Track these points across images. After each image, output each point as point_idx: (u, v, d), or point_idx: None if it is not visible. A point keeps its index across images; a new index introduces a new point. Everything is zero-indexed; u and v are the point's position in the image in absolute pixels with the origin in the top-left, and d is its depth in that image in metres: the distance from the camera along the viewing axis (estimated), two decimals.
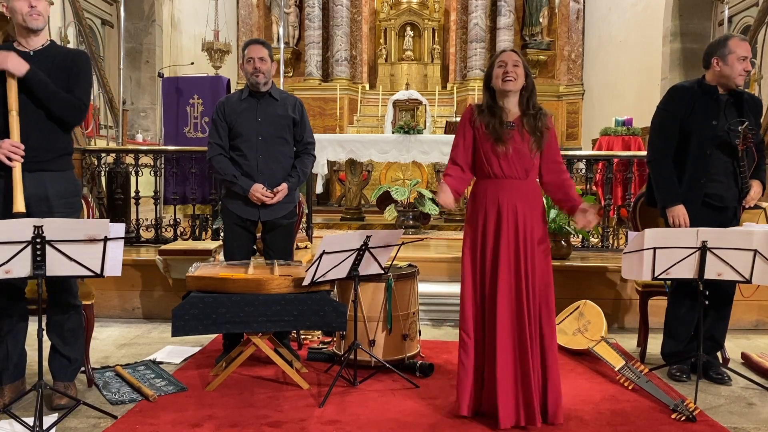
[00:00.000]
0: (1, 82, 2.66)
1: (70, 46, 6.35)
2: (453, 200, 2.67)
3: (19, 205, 2.58)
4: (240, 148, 3.35)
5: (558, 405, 2.66)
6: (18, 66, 2.63)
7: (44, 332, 2.59)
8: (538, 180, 2.83)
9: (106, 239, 2.44)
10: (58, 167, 2.79)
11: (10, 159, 2.61)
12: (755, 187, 3.21)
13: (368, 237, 3.00)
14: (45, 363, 2.69)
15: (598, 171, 5.34)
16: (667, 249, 2.90)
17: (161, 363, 3.46)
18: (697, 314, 3.28)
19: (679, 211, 3.19)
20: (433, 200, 6.40)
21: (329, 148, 6.89)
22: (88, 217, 3.24)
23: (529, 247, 2.69)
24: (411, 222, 6.47)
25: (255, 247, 3.72)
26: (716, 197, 3.20)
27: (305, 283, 2.96)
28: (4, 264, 2.36)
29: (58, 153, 2.79)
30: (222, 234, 3.80)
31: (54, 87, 2.73)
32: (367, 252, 3.05)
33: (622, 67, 10.19)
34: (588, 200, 4.57)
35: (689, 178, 3.21)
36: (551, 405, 2.65)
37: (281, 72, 7.50)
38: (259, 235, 3.55)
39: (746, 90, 3.61)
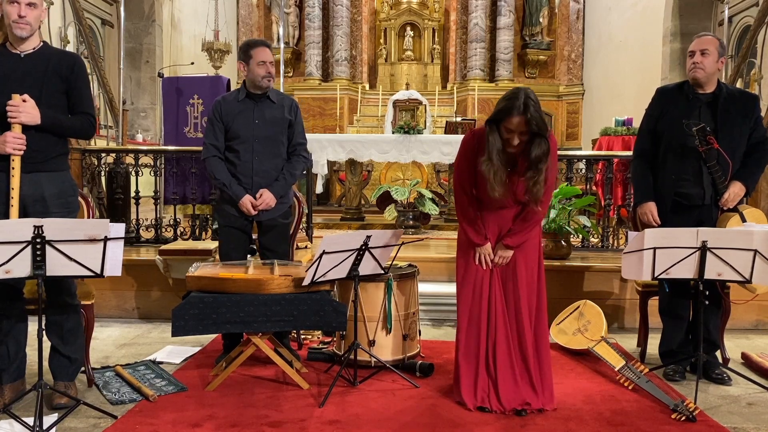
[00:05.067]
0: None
1: (70, 46, 6.35)
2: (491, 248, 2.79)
3: (14, 215, 2.61)
4: (236, 149, 3.34)
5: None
6: (32, 120, 2.65)
7: (44, 332, 2.59)
8: None
9: (106, 239, 2.44)
10: (54, 168, 2.79)
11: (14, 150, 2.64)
12: (733, 188, 3.16)
13: (368, 237, 3.00)
14: (45, 363, 2.70)
15: (598, 171, 5.34)
16: (667, 249, 2.90)
17: (161, 363, 3.46)
18: (689, 314, 3.35)
19: (647, 208, 3.29)
20: (433, 200, 6.40)
21: (329, 148, 6.89)
22: (88, 217, 3.24)
23: (524, 271, 2.82)
24: (411, 222, 6.47)
25: (254, 247, 3.72)
26: (685, 196, 3.23)
27: (305, 283, 2.96)
28: (4, 264, 2.36)
29: (53, 154, 2.79)
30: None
31: (66, 121, 2.78)
32: (367, 252, 3.05)
33: (622, 67, 10.19)
34: (587, 200, 4.59)
35: (661, 177, 3.29)
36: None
37: (281, 72, 7.50)
38: (255, 236, 3.55)
39: (739, 88, 3.61)
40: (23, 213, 2.69)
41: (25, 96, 2.64)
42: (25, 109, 2.62)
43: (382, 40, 12.20)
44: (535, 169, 2.64)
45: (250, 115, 3.35)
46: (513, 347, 2.80)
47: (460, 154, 2.82)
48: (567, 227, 4.51)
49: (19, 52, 2.74)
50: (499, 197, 2.69)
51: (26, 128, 2.67)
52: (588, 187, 5.12)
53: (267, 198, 3.31)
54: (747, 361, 3.56)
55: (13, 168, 2.63)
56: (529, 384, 2.79)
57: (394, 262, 3.44)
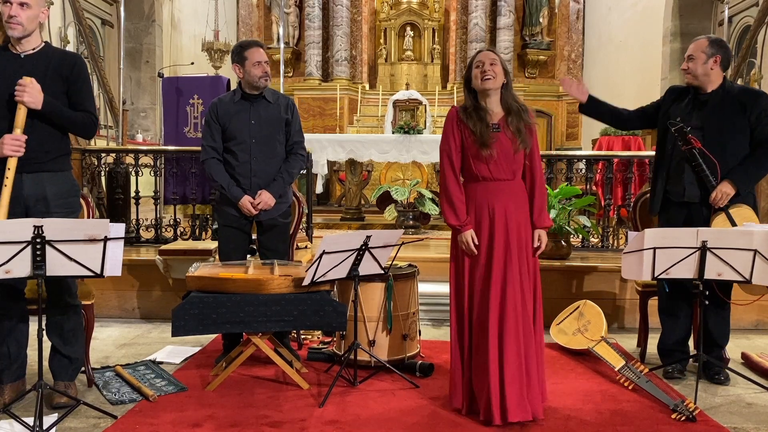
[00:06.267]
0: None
1: (70, 46, 6.36)
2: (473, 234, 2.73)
3: (2, 215, 2.58)
4: (233, 150, 3.35)
5: (540, 401, 2.74)
6: (34, 102, 2.63)
7: (44, 332, 2.59)
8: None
9: (106, 239, 2.44)
10: (56, 168, 2.79)
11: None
12: (721, 187, 3.13)
13: (368, 237, 3.00)
14: (45, 363, 2.70)
15: (598, 171, 5.34)
16: (667, 249, 2.90)
17: (161, 363, 3.46)
18: (687, 313, 3.37)
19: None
20: (433, 200, 6.40)
21: (329, 148, 6.89)
22: (88, 217, 3.24)
23: (523, 246, 2.74)
24: (411, 222, 6.47)
25: (253, 247, 3.72)
26: (673, 193, 3.29)
27: (305, 283, 2.96)
28: (4, 264, 2.36)
29: (56, 153, 2.79)
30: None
31: (68, 112, 2.76)
32: (367, 252, 3.05)
33: (622, 67, 10.19)
34: (587, 200, 4.59)
35: (655, 172, 3.40)
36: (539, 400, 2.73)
37: (281, 72, 7.50)
38: (254, 236, 3.55)
39: (742, 86, 3.63)
40: (25, 213, 2.69)
41: (33, 79, 2.63)
42: (30, 90, 2.61)
43: (382, 40, 12.19)
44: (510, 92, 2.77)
45: (246, 116, 3.35)
46: (515, 351, 2.66)
47: (445, 127, 2.83)
48: (567, 227, 4.51)
49: (19, 53, 2.74)
50: (491, 155, 2.69)
51: (28, 128, 2.66)
52: (588, 187, 5.12)
53: (266, 198, 3.32)
54: (747, 361, 3.56)
55: (8, 169, 2.61)
56: (536, 389, 2.70)
57: (394, 262, 3.44)
